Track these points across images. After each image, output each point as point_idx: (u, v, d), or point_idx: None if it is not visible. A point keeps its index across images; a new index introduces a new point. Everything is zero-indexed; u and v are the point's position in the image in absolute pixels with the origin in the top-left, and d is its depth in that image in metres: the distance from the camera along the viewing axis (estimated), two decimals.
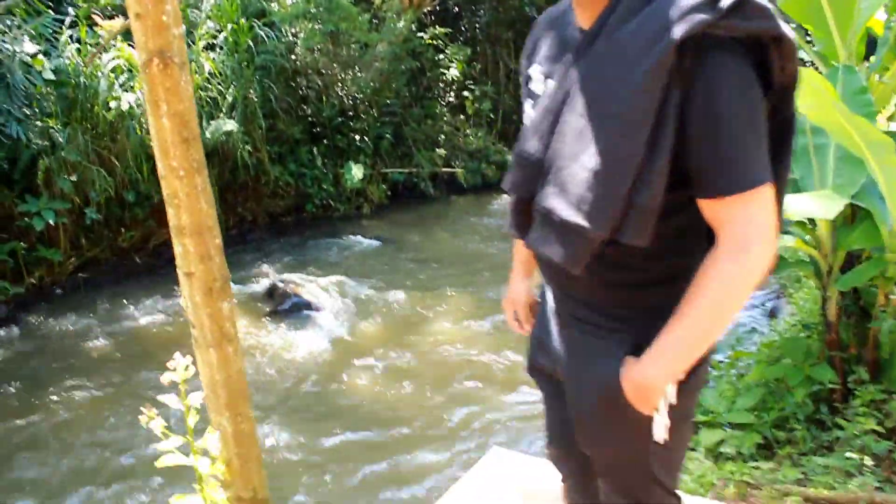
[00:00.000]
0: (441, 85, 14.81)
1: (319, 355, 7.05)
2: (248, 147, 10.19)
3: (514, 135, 17.22)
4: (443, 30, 14.19)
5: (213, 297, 2.03)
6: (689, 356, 1.53)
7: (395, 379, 6.56)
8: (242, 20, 10.43)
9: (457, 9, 16.57)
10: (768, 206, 1.44)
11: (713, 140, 1.40)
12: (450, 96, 14.90)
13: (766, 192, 1.43)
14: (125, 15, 8.95)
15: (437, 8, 15.99)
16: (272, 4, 11.48)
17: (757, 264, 1.43)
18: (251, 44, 10.51)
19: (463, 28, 16.32)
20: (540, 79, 1.72)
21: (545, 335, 1.95)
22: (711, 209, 1.47)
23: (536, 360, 2.05)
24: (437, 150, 13.78)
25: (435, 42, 14.15)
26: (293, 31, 11.57)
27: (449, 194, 13.60)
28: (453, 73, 14.55)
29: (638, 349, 1.61)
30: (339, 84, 12.26)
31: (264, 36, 10.73)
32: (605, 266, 1.62)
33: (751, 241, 1.42)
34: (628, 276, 1.65)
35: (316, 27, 11.57)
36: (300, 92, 11.75)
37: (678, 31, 1.36)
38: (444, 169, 13.67)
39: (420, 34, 13.73)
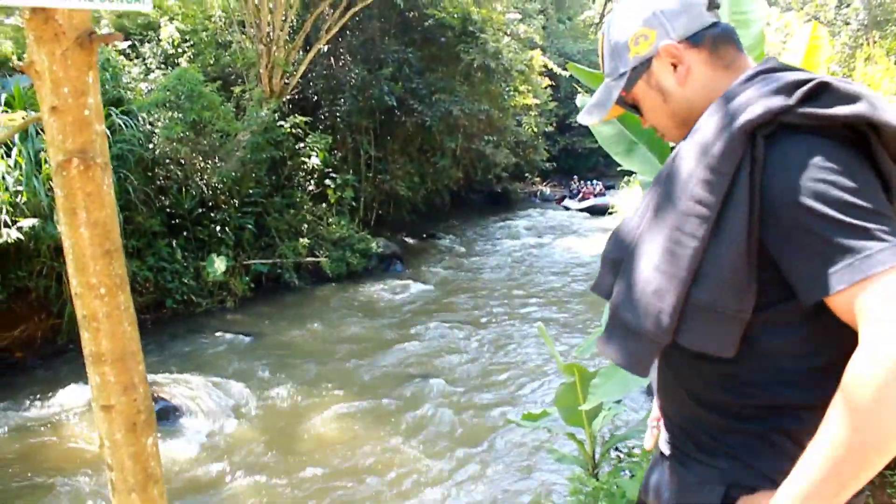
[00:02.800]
0: (302, 173, 14.63)
1: (193, 464, 6.54)
2: None
3: (376, 222, 17.24)
4: (303, 118, 14.09)
5: (136, 433, 1.74)
6: (838, 492, 1.19)
7: (275, 487, 6.14)
8: None
9: (316, 97, 16.57)
10: None
11: (800, 231, 1.23)
12: (311, 185, 14.72)
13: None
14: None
15: (298, 97, 15.94)
16: (128, 93, 11.05)
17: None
18: (107, 132, 10.01)
19: (323, 116, 16.31)
20: None
21: (652, 466, 1.74)
22: (841, 305, 1.21)
23: (643, 493, 1.78)
24: (301, 239, 13.53)
25: (295, 131, 14.00)
26: (151, 119, 11.13)
27: (314, 284, 13.34)
28: (314, 161, 14.42)
29: (731, 490, 1.41)
30: (200, 174, 11.87)
31: (121, 124, 10.26)
32: (703, 385, 1.46)
33: (883, 334, 1.13)
34: (724, 399, 1.44)
35: (177, 116, 11.20)
36: (159, 182, 11.28)
37: (745, 117, 1.29)
38: (308, 259, 13.42)
39: (281, 123, 13.55)
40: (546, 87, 24.66)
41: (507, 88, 19.97)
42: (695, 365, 1.44)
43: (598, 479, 4.04)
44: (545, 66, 22.87)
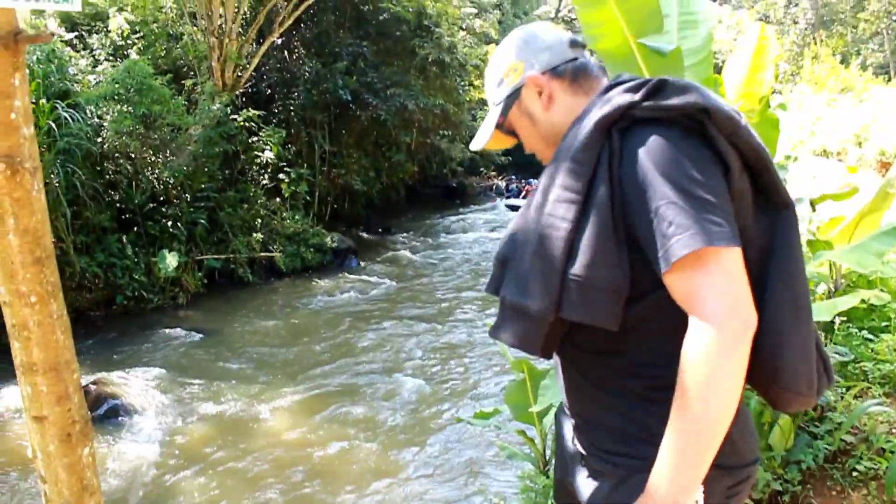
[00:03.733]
0: (256, 168, 14.47)
1: (144, 464, 6.43)
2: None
3: (331, 217, 17.14)
4: (256, 112, 13.92)
5: (71, 444, 1.70)
6: (693, 467, 1.38)
7: (229, 485, 6.08)
8: (43, 100, 9.72)
9: (269, 91, 16.40)
10: (731, 272, 1.37)
11: (647, 212, 1.40)
12: (265, 179, 14.56)
13: (724, 256, 1.36)
14: None
15: (251, 90, 15.76)
16: (75, 86, 10.82)
17: (723, 342, 1.32)
18: (53, 126, 9.80)
19: (277, 110, 16.15)
20: None
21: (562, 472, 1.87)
22: (671, 287, 1.41)
23: (558, 470, 1.93)
24: (254, 234, 13.40)
25: (248, 124, 13.84)
26: (100, 113, 10.92)
27: (268, 279, 13.24)
28: (268, 155, 14.27)
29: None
30: (150, 168, 11.67)
31: (68, 118, 10.04)
32: (606, 374, 1.60)
33: (710, 314, 1.34)
34: (616, 384, 1.59)
35: (126, 109, 11.00)
36: (108, 177, 11.06)
37: (600, 113, 1.50)
38: (262, 254, 13.30)
39: (233, 116, 13.39)
40: None
41: (462, 83, 19.96)
42: (591, 355, 1.60)
43: (548, 477, 4.05)
44: None
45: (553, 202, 1.51)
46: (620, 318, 1.47)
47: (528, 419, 4.17)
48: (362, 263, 14.94)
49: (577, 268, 1.45)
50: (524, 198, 25.23)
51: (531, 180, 27.06)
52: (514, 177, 29.39)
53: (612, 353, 1.56)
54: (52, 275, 1.63)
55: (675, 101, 1.45)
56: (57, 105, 10.00)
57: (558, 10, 44.68)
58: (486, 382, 8.27)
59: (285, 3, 15.06)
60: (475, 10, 22.87)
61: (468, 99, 20.89)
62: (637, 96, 1.48)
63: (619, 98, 1.50)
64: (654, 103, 1.46)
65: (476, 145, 1.84)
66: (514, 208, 23.46)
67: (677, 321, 1.43)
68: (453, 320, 10.81)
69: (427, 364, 8.90)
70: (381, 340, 9.76)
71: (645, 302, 1.49)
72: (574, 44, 1.73)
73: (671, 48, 3.30)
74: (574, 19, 41.31)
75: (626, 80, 1.58)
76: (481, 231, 19.61)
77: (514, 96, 1.74)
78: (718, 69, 4.40)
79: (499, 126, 1.79)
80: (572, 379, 1.69)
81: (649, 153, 1.42)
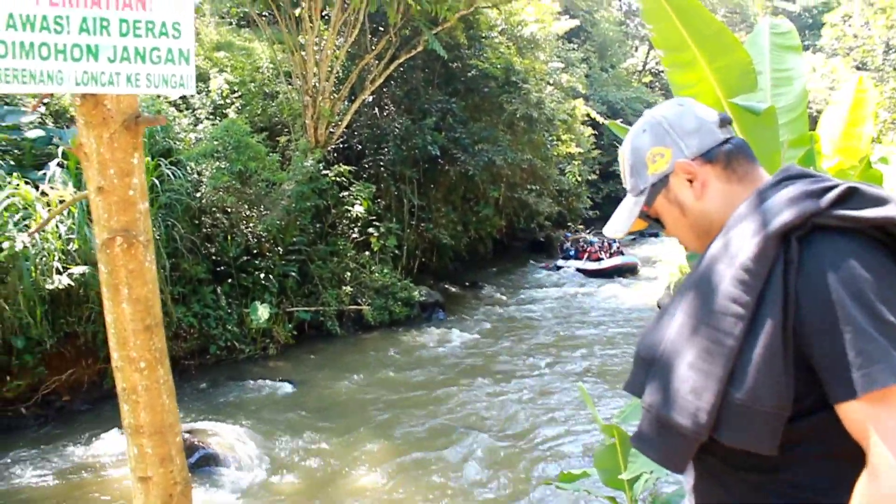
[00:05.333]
0: (346, 222, 14.78)
1: None
2: None
3: (420, 270, 17.31)
4: (347, 167, 14.27)
5: None
6: None
7: None
8: (148, 158, 10.19)
9: (360, 146, 16.79)
10: None
11: (829, 332, 1.26)
12: (354, 233, 14.85)
13: None
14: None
15: (342, 146, 16.17)
16: (178, 143, 11.32)
17: (886, 496, 1.18)
18: (156, 182, 10.26)
19: (367, 166, 16.50)
20: None
21: None
22: (845, 418, 1.26)
23: None
24: (344, 287, 13.61)
25: (339, 179, 14.18)
26: (199, 169, 11.38)
27: (356, 332, 13.40)
28: (358, 209, 14.56)
29: None
30: (245, 222, 12.06)
31: (170, 174, 10.50)
32: (745, 489, 1.45)
33: (880, 463, 1.20)
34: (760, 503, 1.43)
35: (224, 166, 11.43)
36: (205, 230, 11.48)
37: (778, 221, 1.35)
38: (351, 307, 13.48)
39: (325, 172, 13.75)
40: (589, 136, 24.74)
41: (549, 138, 20.07)
42: (735, 471, 1.44)
43: None
44: (588, 115, 22.97)
45: (718, 313, 1.37)
46: (779, 441, 1.33)
47: (618, 485, 4.09)
48: (449, 317, 15.01)
49: (742, 390, 1.31)
50: (577, 256, 23.28)
51: (592, 240, 24.37)
52: (567, 234, 26.53)
53: (760, 470, 1.41)
54: (160, 342, 1.71)
55: (869, 213, 1.31)
56: (161, 162, 10.48)
57: (645, 64, 44.67)
58: (571, 442, 8.17)
59: (377, 63, 15.48)
60: (562, 65, 23.05)
61: (556, 153, 20.95)
62: (822, 203, 1.33)
63: (802, 204, 1.35)
64: (845, 213, 1.32)
65: (612, 231, 1.71)
66: (579, 270, 21.83)
67: (839, 446, 1.31)
68: (539, 377, 10.73)
69: (514, 421, 8.84)
70: (468, 395, 9.75)
71: (805, 422, 1.34)
72: (723, 123, 1.60)
73: (765, 107, 3.21)
74: (662, 71, 41.23)
75: (796, 176, 1.46)
76: (568, 286, 19.48)
77: (661, 184, 1.61)
78: (813, 120, 4.30)
79: (642, 214, 1.67)
80: (709, 492, 1.53)
81: (834, 267, 1.28)
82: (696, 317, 1.42)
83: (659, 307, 14.89)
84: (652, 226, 1.76)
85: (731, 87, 3.34)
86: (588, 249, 23.24)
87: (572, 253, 23.81)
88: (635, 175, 1.66)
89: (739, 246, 1.40)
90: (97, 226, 1.66)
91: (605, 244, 23.26)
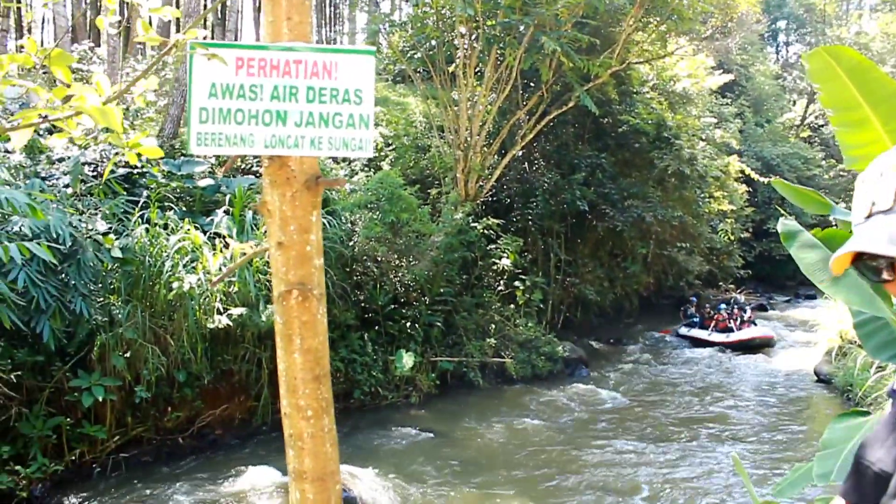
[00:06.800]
0: (492, 274, 14.88)
1: None
2: None
3: (563, 325, 17.17)
4: (496, 221, 14.42)
5: None
6: None
7: None
8: None
9: (509, 200, 16.94)
10: None
11: None
12: (500, 286, 14.92)
13: None
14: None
15: (491, 199, 16.36)
16: (334, 194, 11.77)
17: None
18: None
19: (515, 219, 16.62)
20: None
21: None
22: None
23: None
24: (488, 339, 13.65)
25: (488, 232, 14.33)
26: (353, 219, 11.78)
27: (498, 385, 13.36)
28: (505, 262, 14.64)
29: None
30: (394, 271, 12.35)
31: (326, 224, 10.92)
32: None
33: None
34: None
35: (377, 216, 11.79)
36: (356, 278, 11.83)
37: None
38: (494, 359, 13.49)
39: (474, 224, 13.93)
40: (742, 193, 24.01)
41: (701, 194, 19.63)
42: None
43: None
44: (742, 172, 22.34)
45: None
46: None
47: None
48: (592, 374, 14.75)
49: None
50: (702, 325, 19.80)
51: (720, 306, 20.60)
52: (694, 298, 22.44)
53: None
54: (327, 392, 1.78)
55: None
56: None
57: (804, 118, 43.04)
58: None
59: (527, 118, 15.65)
60: (715, 120, 22.58)
61: (707, 210, 20.43)
62: None
63: None
64: None
65: (867, 247, 1.16)
66: (693, 341, 19.04)
67: None
68: (686, 442, 10.36)
69: (654, 488, 8.55)
70: (607, 458, 9.53)
71: None
72: None
73: None
74: (821, 126, 39.59)
75: None
76: (716, 348, 18.71)
77: None
78: None
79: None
80: None
81: None
82: None
83: (817, 375, 14.10)
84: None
85: None
86: (715, 317, 19.70)
87: (697, 320, 20.35)
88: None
89: None
90: (275, 278, 1.76)
91: (735, 310, 19.97)
